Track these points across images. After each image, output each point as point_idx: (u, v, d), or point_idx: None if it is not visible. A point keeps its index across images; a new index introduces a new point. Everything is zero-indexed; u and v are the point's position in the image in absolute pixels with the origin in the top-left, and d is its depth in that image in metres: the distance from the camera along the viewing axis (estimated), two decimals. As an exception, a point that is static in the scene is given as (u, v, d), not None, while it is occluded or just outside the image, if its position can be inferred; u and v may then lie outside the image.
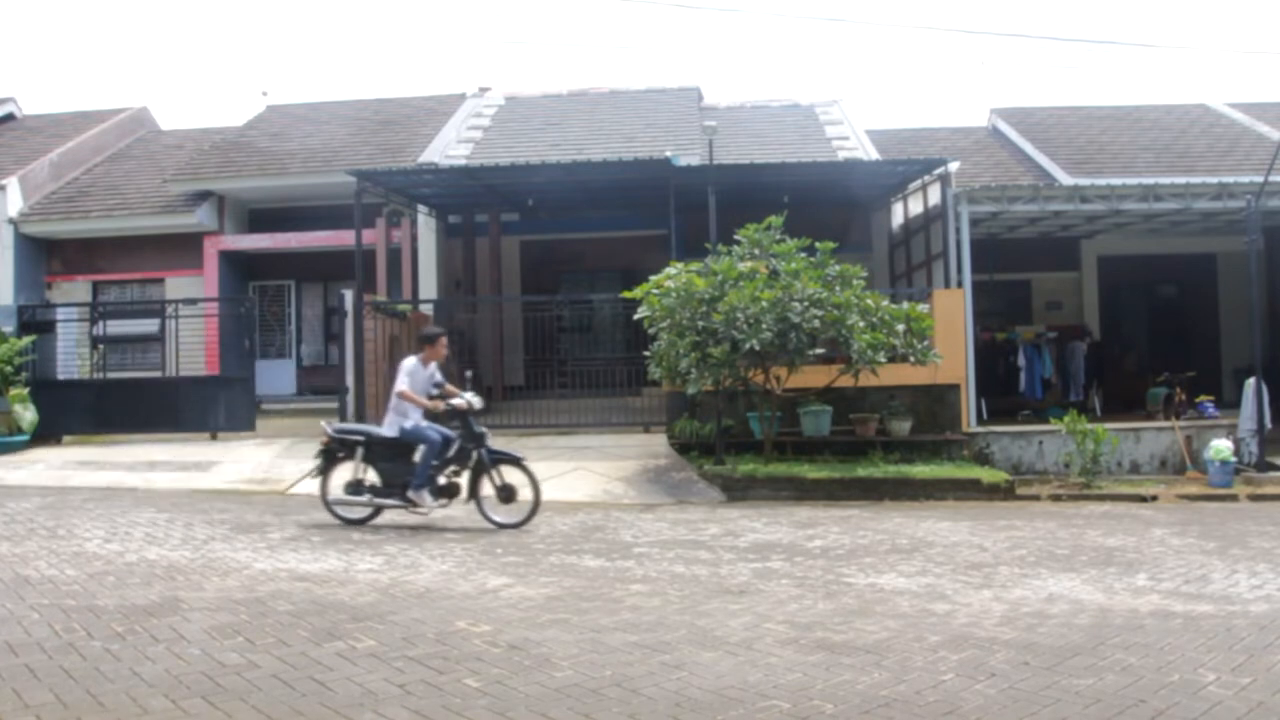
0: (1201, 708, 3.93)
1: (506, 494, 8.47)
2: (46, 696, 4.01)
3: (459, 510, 8.80)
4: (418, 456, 8.39)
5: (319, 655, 4.58)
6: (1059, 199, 14.21)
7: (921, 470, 10.94)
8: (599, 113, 20.27)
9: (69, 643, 4.78)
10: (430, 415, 8.63)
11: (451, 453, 8.45)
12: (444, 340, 8.90)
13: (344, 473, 8.70)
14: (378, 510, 8.59)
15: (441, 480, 8.52)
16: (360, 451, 8.59)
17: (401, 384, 8.46)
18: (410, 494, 8.34)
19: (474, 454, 8.48)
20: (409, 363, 8.62)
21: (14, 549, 7.29)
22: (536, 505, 8.45)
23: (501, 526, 8.37)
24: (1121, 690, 4.12)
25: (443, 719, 3.81)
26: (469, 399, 8.55)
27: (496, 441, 8.73)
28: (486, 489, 8.52)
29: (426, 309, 15.68)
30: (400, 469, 8.45)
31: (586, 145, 17.48)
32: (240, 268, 18.50)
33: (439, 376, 8.80)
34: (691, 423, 12.28)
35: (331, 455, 8.72)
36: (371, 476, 8.61)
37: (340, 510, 8.66)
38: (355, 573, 6.54)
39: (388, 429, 8.58)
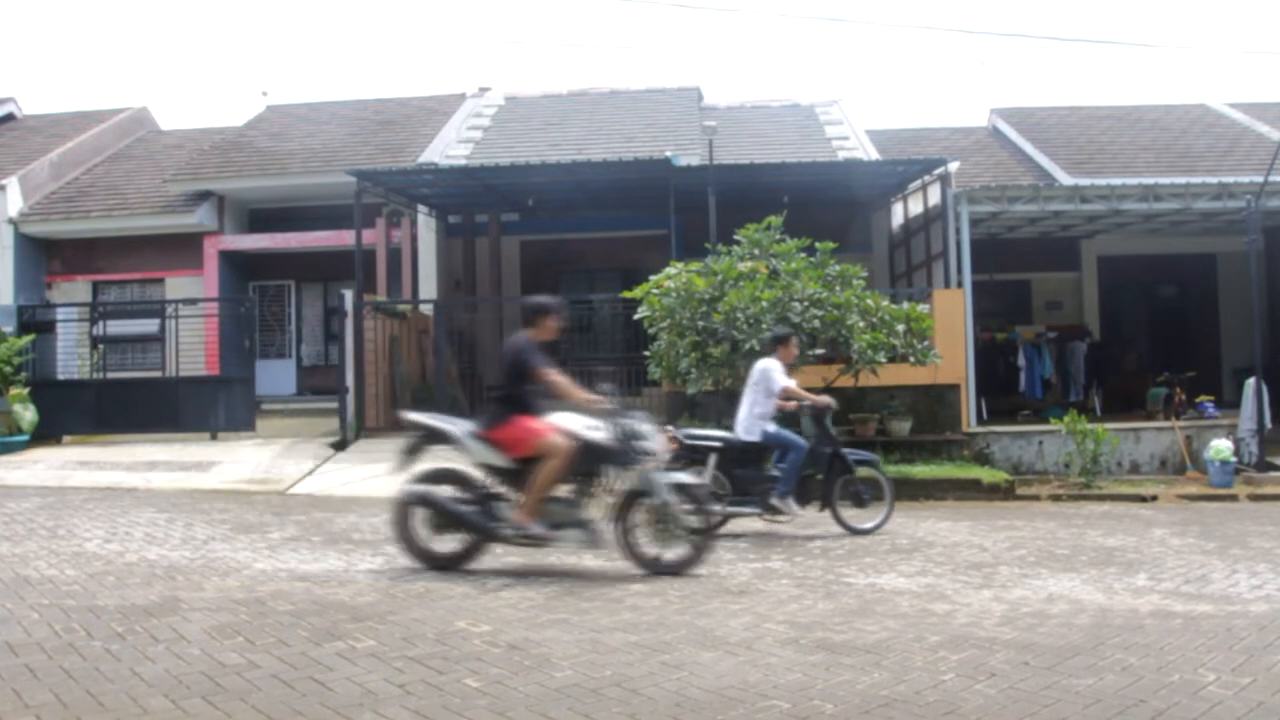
0: (1201, 708, 3.92)
1: (860, 498, 8.25)
2: (46, 696, 4.00)
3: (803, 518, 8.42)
4: (779, 461, 8.04)
5: (319, 655, 4.58)
6: (1059, 199, 14.21)
7: (921, 470, 10.94)
8: (599, 113, 20.28)
9: (69, 643, 4.77)
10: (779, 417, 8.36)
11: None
12: (795, 340, 8.59)
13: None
14: (725, 519, 8.11)
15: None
16: (713, 459, 8.16)
17: (784, 382, 8.17)
18: (774, 501, 7.93)
19: (829, 457, 8.19)
20: (776, 364, 8.33)
21: (14, 549, 7.28)
22: (892, 508, 8.20)
23: (856, 531, 8.04)
24: (1121, 690, 4.12)
25: (443, 719, 3.81)
26: (827, 399, 8.32)
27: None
28: (839, 493, 8.22)
29: (426, 309, 15.68)
30: (755, 475, 8.09)
31: (586, 145, 17.49)
32: (240, 268, 18.51)
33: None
34: (692, 423, 12.26)
35: (676, 462, 8.18)
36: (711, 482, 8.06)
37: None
38: (355, 573, 6.53)
39: (747, 434, 8.20)
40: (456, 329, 16.01)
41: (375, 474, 11.48)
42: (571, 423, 6.38)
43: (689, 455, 8.24)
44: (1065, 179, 16.77)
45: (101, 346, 15.43)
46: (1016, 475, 12.00)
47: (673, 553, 6.44)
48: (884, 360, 10.84)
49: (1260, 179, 12.67)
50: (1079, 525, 8.84)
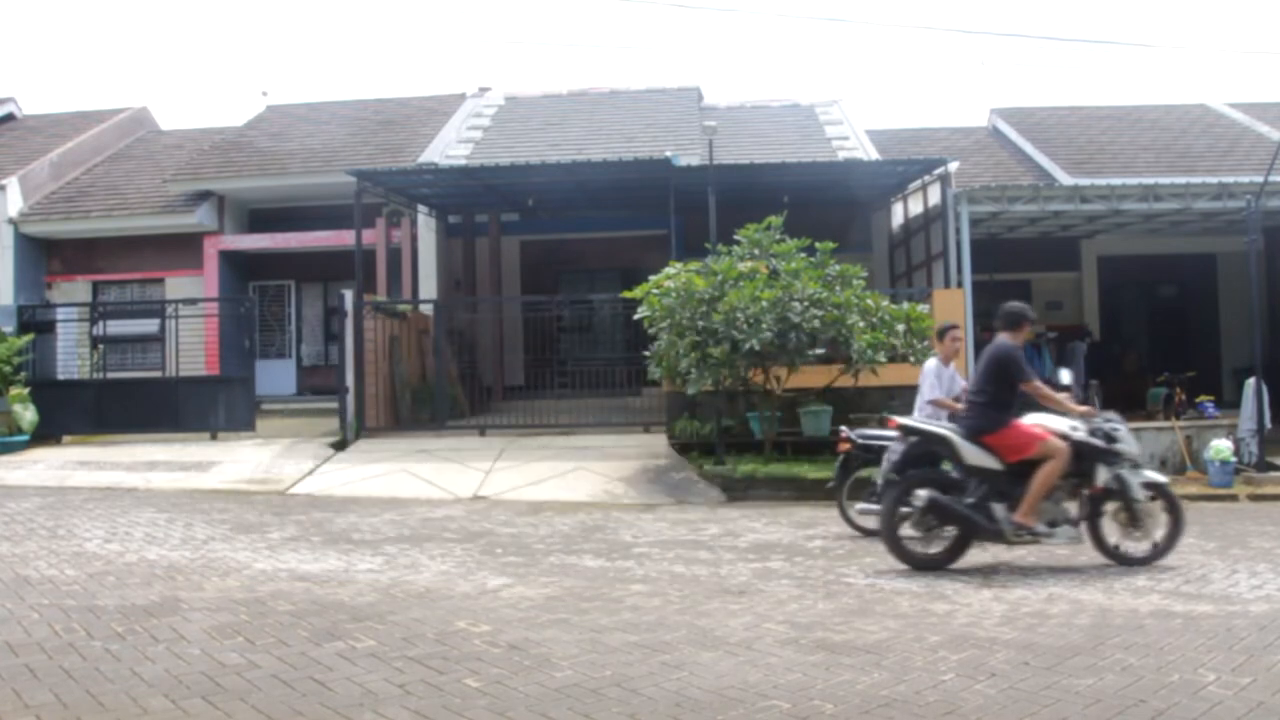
0: (1201, 708, 3.92)
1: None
2: (46, 696, 4.01)
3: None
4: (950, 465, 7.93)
5: (319, 655, 4.58)
6: (1059, 199, 14.21)
7: (921, 470, 10.93)
8: (599, 113, 20.28)
9: (69, 643, 4.78)
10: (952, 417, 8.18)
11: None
12: (954, 333, 8.47)
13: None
14: None
15: None
16: (887, 458, 7.98)
17: (931, 390, 8.09)
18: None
19: None
20: (931, 365, 8.25)
21: (14, 549, 7.29)
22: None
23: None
24: (1121, 690, 4.12)
25: (443, 719, 3.81)
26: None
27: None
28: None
29: (426, 309, 15.69)
30: (928, 475, 7.85)
31: (586, 145, 17.49)
32: (240, 268, 18.50)
33: (960, 378, 8.38)
34: (691, 423, 12.28)
35: (849, 463, 8.32)
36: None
37: (861, 521, 8.07)
38: (355, 573, 6.54)
39: None
40: (456, 329, 16.01)
41: (375, 474, 11.49)
42: (1057, 424, 6.65)
43: (863, 455, 8.26)
44: (1065, 179, 16.76)
45: (101, 346, 15.43)
46: (1016, 475, 11.97)
47: (1141, 547, 6.75)
48: (884, 360, 10.84)
49: (1260, 179, 12.66)
50: (1079, 525, 8.82)
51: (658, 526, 8.66)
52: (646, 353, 11.56)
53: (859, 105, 52.69)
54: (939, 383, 8.20)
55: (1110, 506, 6.73)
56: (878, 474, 8.07)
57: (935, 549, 6.69)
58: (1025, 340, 7.05)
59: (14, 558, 6.93)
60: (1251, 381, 12.49)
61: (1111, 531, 6.75)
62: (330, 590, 5.99)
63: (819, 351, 11.01)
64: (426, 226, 17.19)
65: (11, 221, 17.59)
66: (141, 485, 11.20)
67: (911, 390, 12.25)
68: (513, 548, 7.55)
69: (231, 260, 18.16)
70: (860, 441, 8.34)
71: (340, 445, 13.06)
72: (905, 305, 11.45)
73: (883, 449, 8.15)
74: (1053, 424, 6.67)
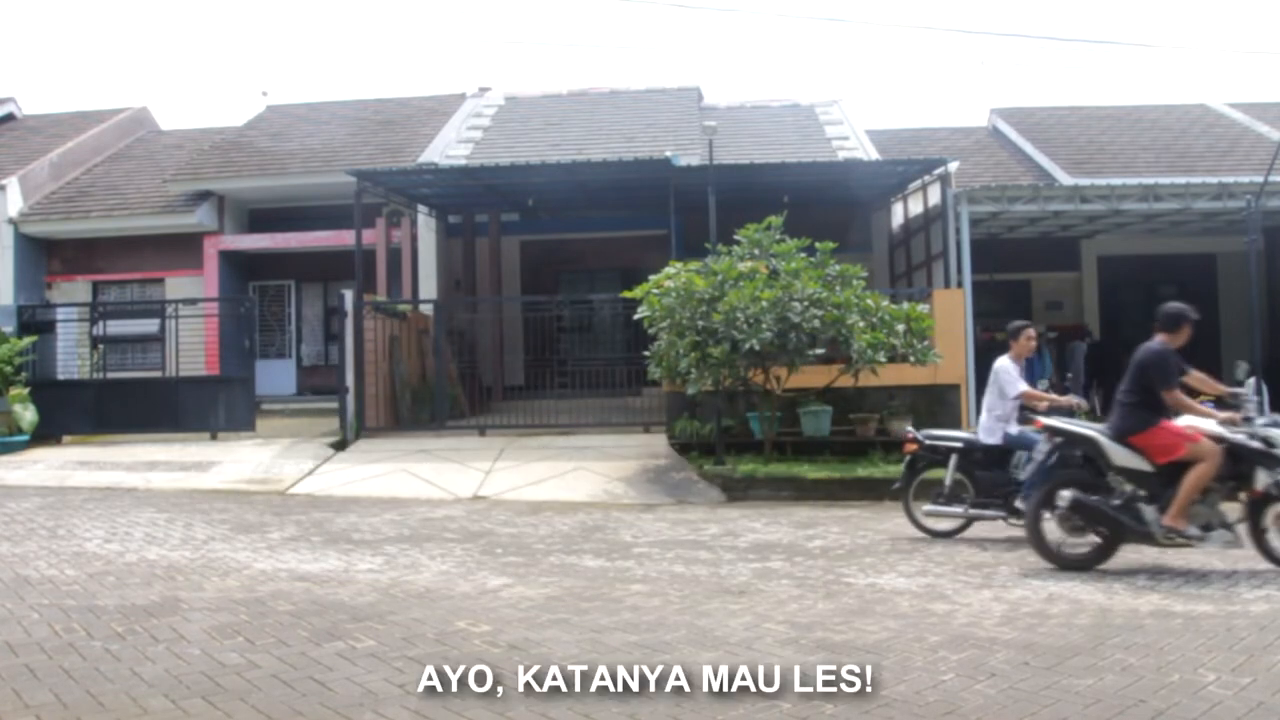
0: (1201, 708, 3.92)
1: None
2: (46, 696, 4.01)
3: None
4: (1023, 464, 7.77)
5: (319, 655, 4.58)
6: (1059, 199, 14.21)
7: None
8: (599, 113, 20.29)
9: (69, 643, 4.78)
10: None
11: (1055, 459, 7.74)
12: (1029, 333, 8.48)
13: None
14: (969, 522, 7.93)
15: None
16: (955, 460, 8.01)
17: (1021, 384, 8.06)
18: (1020, 504, 7.42)
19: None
20: (1007, 363, 8.25)
21: (14, 549, 7.29)
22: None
23: None
24: (1121, 690, 4.12)
25: (443, 718, 3.81)
26: (1072, 400, 8.28)
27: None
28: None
29: (426, 309, 15.69)
30: (999, 478, 7.86)
31: (586, 145, 17.49)
32: (240, 268, 18.51)
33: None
34: (691, 423, 12.27)
35: (916, 464, 8.22)
36: (956, 486, 7.97)
37: (928, 522, 7.99)
38: (355, 573, 6.54)
39: (988, 435, 8.06)
40: (456, 329, 16.01)
41: (375, 474, 11.49)
42: (1210, 426, 6.59)
43: (930, 456, 8.19)
44: (1065, 179, 16.77)
45: (101, 346, 15.43)
46: (1017, 475, 11.97)
47: None
48: (884, 360, 10.84)
49: (1260, 179, 12.67)
50: (1079, 525, 8.80)
51: (658, 526, 8.65)
52: (646, 353, 11.56)
53: (859, 105, 52.71)
54: (1019, 377, 8.15)
55: (1273, 510, 6.55)
56: (945, 475, 8.02)
57: (1083, 550, 6.67)
58: (1183, 343, 6.95)
59: (14, 558, 6.93)
60: (1251, 381, 12.50)
61: (1274, 536, 6.57)
62: (330, 590, 5.99)
63: (819, 351, 11.00)
64: (426, 226, 17.20)
65: (11, 221, 17.60)
66: (141, 485, 11.19)
67: (911, 390, 12.39)
68: (513, 548, 7.55)
69: (231, 260, 18.17)
70: (927, 443, 8.25)
71: (340, 445, 13.06)
72: (905, 305, 11.45)
73: (950, 450, 8.08)
74: (1205, 425, 6.57)
